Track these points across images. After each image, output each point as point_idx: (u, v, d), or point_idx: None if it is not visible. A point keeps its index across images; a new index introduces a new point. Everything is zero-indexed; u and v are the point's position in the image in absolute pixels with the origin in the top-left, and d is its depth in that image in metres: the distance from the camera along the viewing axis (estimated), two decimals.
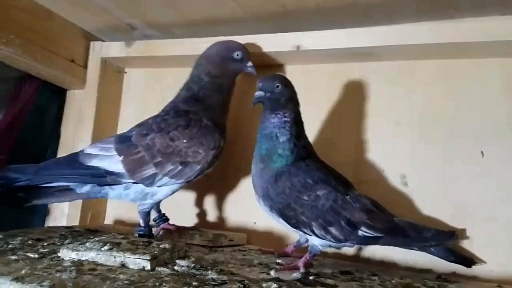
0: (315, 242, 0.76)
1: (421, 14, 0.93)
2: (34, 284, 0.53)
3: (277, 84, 0.78)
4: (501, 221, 0.84)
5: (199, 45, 1.07)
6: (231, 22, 1.06)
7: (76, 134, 1.20)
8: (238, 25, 1.06)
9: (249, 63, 0.92)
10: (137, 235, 0.85)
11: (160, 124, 0.85)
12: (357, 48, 0.93)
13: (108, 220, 1.20)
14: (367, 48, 0.92)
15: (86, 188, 0.85)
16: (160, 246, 0.71)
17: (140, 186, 0.83)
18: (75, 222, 1.11)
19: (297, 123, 0.79)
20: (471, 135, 0.88)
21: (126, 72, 1.26)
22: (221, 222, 1.07)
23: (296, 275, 0.67)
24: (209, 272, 0.64)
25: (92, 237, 0.76)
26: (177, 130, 0.83)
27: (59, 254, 0.68)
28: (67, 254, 0.67)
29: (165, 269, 0.64)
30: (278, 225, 0.99)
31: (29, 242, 0.76)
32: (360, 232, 0.72)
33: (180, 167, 0.82)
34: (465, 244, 0.84)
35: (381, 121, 0.96)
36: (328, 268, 0.77)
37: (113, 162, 0.82)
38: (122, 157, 0.82)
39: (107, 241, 0.70)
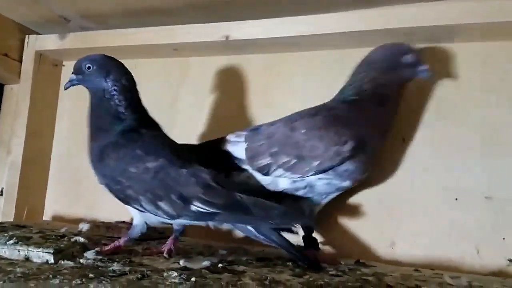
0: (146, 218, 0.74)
1: (357, 1, 0.92)
2: None
3: (88, 65, 0.76)
4: (423, 206, 0.85)
5: (134, 36, 1.07)
6: (166, 11, 1.05)
7: (12, 129, 1.17)
8: (174, 15, 1.05)
9: (423, 66, 0.78)
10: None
11: (293, 115, 0.80)
12: (284, 38, 0.92)
13: (47, 216, 1.18)
14: (295, 37, 0.92)
15: None
16: (71, 239, 0.71)
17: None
18: (10, 218, 1.09)
19: (123, 100, 0.76)
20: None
21: (64, 65, 1.24)
22: None
23: (205, 263, 0.66)
24: (114, 264, 0.64)
25: (9, 232, 0.75)
26: (302, 119, 0.77)
27: None
28: None
29: (69, 262, 0.63)
30: None
31: None
32: (193, 207, 0.68)
33: (295, 160, 0.75)
34: (390, 229, 0.86)
35: None
36: (249, 255, 0.78)
37: (239, 148, 0.81)
38: (246, 144, 0.81)
39: (15, 235, 0.69)
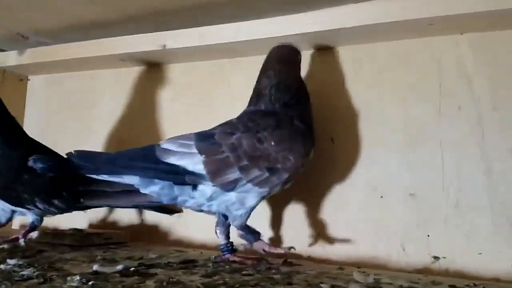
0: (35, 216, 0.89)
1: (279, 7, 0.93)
2: None
3: None
4: (350, 204, 0.86)
5: (85, 48, 1.10)
6: (112, 24, 1.09)
7: None
8: (115, 27, 1.08)
9: None
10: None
11: (247, 123, 0.75)
12: (217, 44, 0.95)
13: (15, 225, 1.23)
14: (227, 44, 0.94)
15: (155, 188, 0.74)
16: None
17: (228, 196, 0.74)
18: None
19: None
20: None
21: (29, 80, 1.30)
22: (111, 222, 1.10)
23: (118, 267, 0.69)
24: (29, 269, 0.66)
25: None
26: (266, 131, 0.74)
27: None
28: None
29: None
30: (165, 220, 1.03)
31: None
32: (82, 199, 0.86)
33: (267, 174, 0.72)
34: (318, 227, 0.87)
35: None
36: (176, 258, 0.80)
37: (194, 162, 0.72)
38: (203, 156, 0.72)
39: None
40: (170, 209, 0.94)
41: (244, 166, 0.72)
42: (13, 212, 0.90)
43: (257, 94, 0.81)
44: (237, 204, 0.75)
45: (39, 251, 0.80)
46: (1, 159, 0.81)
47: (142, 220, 1.06)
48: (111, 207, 1.05)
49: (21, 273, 0.64)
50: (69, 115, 1.23)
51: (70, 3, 0.99)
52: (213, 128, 0.77)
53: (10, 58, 1.21)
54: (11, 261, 0.70)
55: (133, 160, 0.73)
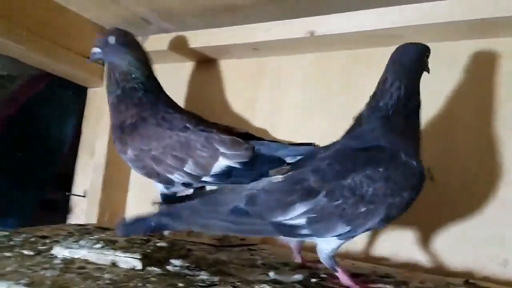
0: None
1: None
2: (11, 282, 0.51)
3: None
4: None
5: (212, 36, 1.04)
6: (244, 8, 1.01)
7: (95, 132, 1.19)
8: (249, 12, 1.01)
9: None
10: None
11: None
12: (377, 30, 0.85)
13: None
14: (390, 29, 0.84)
15: None
16: (157, 244, 0.68)
17: None
18: (93, 220, 1.11)
19: None
20: None
21: None
22: None
23: (297, 276, 0.61)
24: (202, 272, 0.60)
25: (95, 235, 0.74)
26: None
27: (52, 252, 0.66)
28: (60, 251, 0.65)
29: (156, 268, 0.60)
30: None
31: (32, 239, 0.75)
32: None
33: None
34: None
35: None
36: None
37: None
38: None
39: (102, 239, 0.67)
40: None
41: None
42: None
43: None
44: None
45: (188, 249, 0.74)
46: None
47: None
48: None
49: (198, 277, 0.58)
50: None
51: None
52: None
53: None
54: (175, 262, 0.64)
55: None
